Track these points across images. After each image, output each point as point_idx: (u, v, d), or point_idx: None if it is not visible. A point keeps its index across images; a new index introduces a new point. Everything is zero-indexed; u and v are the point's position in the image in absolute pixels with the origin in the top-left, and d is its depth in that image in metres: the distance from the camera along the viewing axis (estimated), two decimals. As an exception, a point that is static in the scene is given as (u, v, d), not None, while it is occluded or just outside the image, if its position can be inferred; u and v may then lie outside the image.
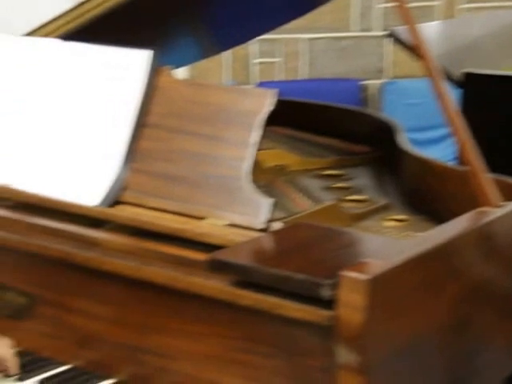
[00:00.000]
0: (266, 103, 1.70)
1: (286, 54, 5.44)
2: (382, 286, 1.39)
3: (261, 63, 5.42)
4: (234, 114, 1.73)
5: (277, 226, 1.65)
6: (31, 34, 2.10)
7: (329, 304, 1.39)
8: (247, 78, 5.44)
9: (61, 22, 2.07)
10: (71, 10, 2.07)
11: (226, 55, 5.26)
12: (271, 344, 1.51)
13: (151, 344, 1.64)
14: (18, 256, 1.76)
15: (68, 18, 2.06)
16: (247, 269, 1.48)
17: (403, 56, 3.30)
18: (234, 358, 1.56)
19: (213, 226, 1.67)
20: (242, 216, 1.66)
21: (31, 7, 2.68)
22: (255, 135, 1.70)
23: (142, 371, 1.66)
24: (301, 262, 1.47)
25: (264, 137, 1.72)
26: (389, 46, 5.33)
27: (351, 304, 1.36)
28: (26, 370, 1.70)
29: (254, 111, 1.71)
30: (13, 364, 1.69)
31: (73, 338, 1.73)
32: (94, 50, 1.90)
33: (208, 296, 1.54)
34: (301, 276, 1.40)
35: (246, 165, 1.69)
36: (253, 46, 5.28)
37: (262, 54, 5.38)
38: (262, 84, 5.27)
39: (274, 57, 5.42)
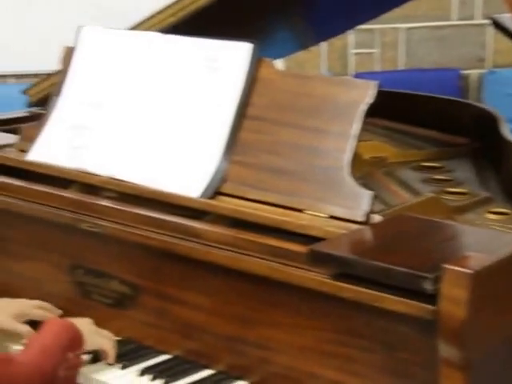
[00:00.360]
0: (368, 95, 1.69)
1: (383, 44, 5.38)
2: (485, 280, 1.37)
3: (357, 54, 5.37)
4: (336, 106, 1.72)
5: (377, 218, 1.64)
6: (134, 27, 2.14)
7: (431, 298, 1.37)
8: (343, 69, 5.40)
9: (163, 15, 2.10)
10: (173, 3, 2.10)
11: (323, 46, 5.23)
12: (369, 337, 1.50)
13: (251, 335, 1.65)
14: (121, 246, 1.80)
15: (170, 11, 2.10)
16: (348, 261, 1.47)
17: (506, 45, 3.21)
18: (332, 350, 1.56)
19: (313, 217, 1.67)
20: (343, 208, 1.65)
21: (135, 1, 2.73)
22: (356, 127, 1.69)
23: (242, 362, 1.67)
24: (402, 254, 1.46)
25: (362, 129, 1.70)
26: (490, 35, 5.21)
27: (454, 298, 1.34)
28: (129, 359, 1.74)
29: (356, 103, 1.70)
30: (112, 354, 1.73)
31: (174, 328, 1.76)
32: (196, 42, 1.92)
33: (307, 288, 1.54)
34: (404, 269, 1.38)
35: (347, 157, 1.68)
36: (349, 36, 5.24)
37: (359, 45, 5.33)
38: (358, 75, 5.23)
39: (371, 47, 5.37)
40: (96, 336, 1.73)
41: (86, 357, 1.72)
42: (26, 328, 1.78)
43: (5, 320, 1.77)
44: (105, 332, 1.77)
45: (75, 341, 1.65)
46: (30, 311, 1.83)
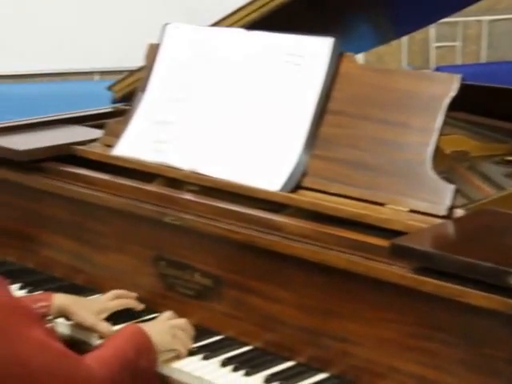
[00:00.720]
0: (451, 88, 1.68)
1: (464, 37, 5.30)
2: None
3: (438, 47, 5.31)
4: (419, 99, 1.71)
5: (460, 212, 1.62)
6: (217, 24, 2.16)
7: (514, 293, 1.35)
8: (424, 63, 5.34)
9: (245, 11, 2.12)
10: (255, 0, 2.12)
11: (403, 39, 5.19)
12: (451, 332, 1.49)
13: (332, 328, 1.66)
14: (203, 239, 1.83)
15: (253, 7, 2.11)
16: (430, 255, 1.46)
17: None
18: (413, 344, 1.55)
19: (394, 211, 1.67)
20: (425, 202, 1.64)
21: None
22: (439, 121, 1.68)
23: (322, 354, 1.68)
24: (486, 249, 1.44)
25: (444, 122, 1.69)
26: None
27: (539, 294, 1.32)
28: (210, 350, 1.76)
29: (438, 96, 1.69)
30: (183, 355, 1.75)
31: (255, 320, 1.77)
32: (277, 38, 1.93)
33: (389, 282, 1.54)
34: (488, 264, 1.37)
35: (430, 151, 1.67)
36: (430, 29, 5.18)
37: (440, 38, 5.27)
38: (439, 68, 5.16)
39: (452, 40, 5.30)
40: (167, 339, 1.73)
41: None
42: (108, 328, 1.82)
43: (89, 318, 1.81)
44: (179, 333, 1.77)
45: (146, 348, 1.67)
46: (108, 305, 1.88)
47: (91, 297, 1.97)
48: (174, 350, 1.74)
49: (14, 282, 2.03)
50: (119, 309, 1.88)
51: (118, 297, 1.92)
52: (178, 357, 1.74)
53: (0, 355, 1.39)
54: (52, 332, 1.63)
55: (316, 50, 1.87)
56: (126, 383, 1.59)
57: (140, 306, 1.92)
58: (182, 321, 1.81)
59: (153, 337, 1.69)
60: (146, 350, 1.67)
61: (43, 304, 1.79)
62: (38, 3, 3.72)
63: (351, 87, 1.82)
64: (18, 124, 2.34)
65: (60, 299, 1.83)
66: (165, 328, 1.76)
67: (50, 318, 1.80)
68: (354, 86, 1.82)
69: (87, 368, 1.51)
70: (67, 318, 1.84)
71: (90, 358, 1.56)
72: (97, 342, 1.81)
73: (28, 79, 3.77)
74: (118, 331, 1.71)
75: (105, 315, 1.85)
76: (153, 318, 1.85)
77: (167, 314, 1.83)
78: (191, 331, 1.80)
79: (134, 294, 1.94)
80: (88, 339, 1.83)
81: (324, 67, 1.85)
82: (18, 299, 1.54)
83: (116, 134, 2.11)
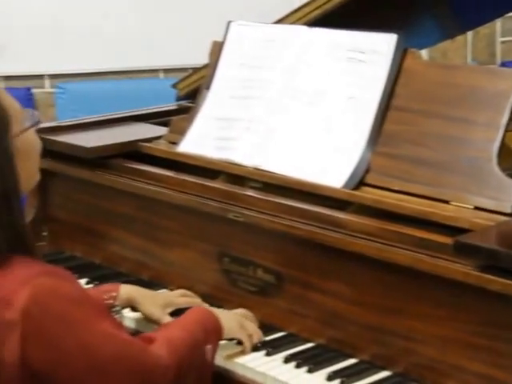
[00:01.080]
0: (518, 84, 1.66)
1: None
2: None
3: (503, 42, 5.22)
4: (484, 95, 1.69)
5: (526, 210, 1.60)
6: (280, 21, 2.17)
7: None
8: (490, 58, 5.26)
9: (309, 8, 2.12)
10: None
11: (468, 34, 5.11)
12: (517, 331, 1.48)
13: (395, 326, 1.65)
14: (266, 235, 1.84)
15: (316, 4, 2.11)
16: (496, 253, 1.45)
17: None
18: (478, 343, 1.54)
19: (459, 209, 1.65)
20: (490, 199, 1.62)
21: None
22: (505, 116, 1.66)
23: (386, 352, 1.68)
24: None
25: (509, 118, 1.67)
26: None
27: None
28: (273, 346, 1.77)
29: (504, 92, 1.67)
30: (247, 348, 1.76)
31: (318, 317, 1.78)
32: (341, 34, 1.93)
33: (453, 279, 1.53)
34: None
35: (495, 147, 1.65)
36: (496, 24, 5.09)
37: (506, 33, 5.18)
38: (505, 64, 5.08)
39: (519, 34, 5.20)
40: (235, 325, 1.75)
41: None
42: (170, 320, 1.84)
43: (156, 311, 1.84)
44: (247, 323, 1.79)
45: (214, 330, 1.69)
46: (175, 300, 1.90)
47: (159, 291, 2.00)
48: (239, 340, 1.76)
49: (80, 277, 2.07)
50: (185, 306, 1.89)
51: (184, 296, 1.94)
52: (243, 351, 1.75)
53: (68, 346, 1.43)
54: (119, 322, 1.66)
55: (380, 46, 1.86)
56: (193, 366, 1.61)
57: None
58: (251, 314, 1.83)
59: (220, 321, 1.71)
60: (214, 332, 1.69)
61: (111, 294, 1.83)
62: (105, 4, 3.78)
63: (415, 83, 1.81)
64: (85, 122, 2.38)
65: (127, 290, 1.86)
66: (233, 316, 1.78)
67: (117, 308, 1.83)
68: (417, 82, 1.80)
69: (154, 356, 1.53)
70: (133, 309, 1.87)
71: (158, 341, 1.58)
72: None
73: (95, 77, 3.83)
74: (186, 312, 1.72)
75: (170, 310, 1.87)
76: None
77: (238, 309, 1.85)
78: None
79: (199, 301, 1.94)
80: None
81: (388, 64, 1.84)
82: (86, 291, 1.57)
83: (180, 131, 2.13)
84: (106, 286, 1.88)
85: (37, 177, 1.59)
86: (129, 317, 1.88)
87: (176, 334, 1.62)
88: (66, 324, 1.43)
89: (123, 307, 1.86)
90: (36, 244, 1.57)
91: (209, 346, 1.66)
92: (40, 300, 1.41)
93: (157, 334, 1.62)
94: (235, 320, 1.77)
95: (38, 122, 1.56)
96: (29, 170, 1.53)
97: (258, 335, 1.79)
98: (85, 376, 1.44)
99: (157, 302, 1.85)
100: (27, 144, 1.52)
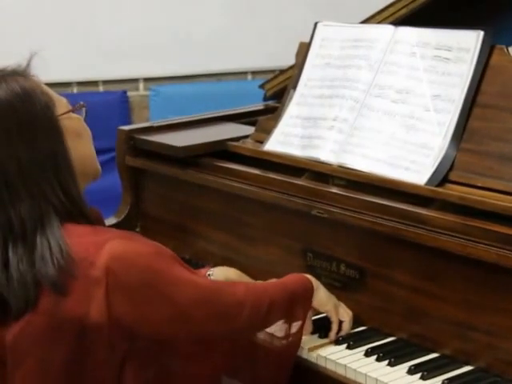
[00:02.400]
0: None
1: None
2: None
3: None
4: None
5: None
6: (366, 21, 2.19)
7: None
8: None
9: (394, 8, 2.13)
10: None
11: None
12: None
13: (478, 321, 1.65)
14: (350, 231, 1.86)
15: (402, 3, 2.12)
16: None
17: None
18: None
19: (543, 205, 1.64)
20: None
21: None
22: None
23: (468, 347, 1.68)
24: None
25: None
26: None
27: None
28: (355, 339, 1.80)
29: None
30: (334, 330, 1.81)
31: (400, 312, 1.79)
32: (427, 32, 1.94)
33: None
34: None
35: None
36: None
37: None
38: None
39: None
40: (331, 302, 1.80)
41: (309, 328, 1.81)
42: None
43: None
44: (343, 308, 1.83)
45: (306, 293, 1.75)
46: None
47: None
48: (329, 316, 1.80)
49: (170, 271, 2.13)
50: None
51: None
52: (325, 343, 1.79)
53: (152, 296, 1.50)
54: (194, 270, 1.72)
55: (466, 43, 1.85)
56: (273, 314, 1.67)
57: None
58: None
59: (318, 290, 1.77)
60: (302, 297, 1.75)
61: (204, 272, 1.89)
62: (195, 9, 3.87)
63: (501, 80, 1.80)
64: (176, 122, 2.45)
65: (222, 271, 1.93)
66: (331, 296, 1.82)
67: None
68: (504, 79, 1.79)
69: (230, 293, 1.61)
70: None
71: (241, 283, 1.70)
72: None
73: (186, 80, 3.92)
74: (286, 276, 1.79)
75: None
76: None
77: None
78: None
79: None
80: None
81: (474, 61, 1.84)
82: (159, 246, 1.62)
83: (267, 131, 2.17)
84: (201, 270, 1.92)
85: (92, 160, 1.69)
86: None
87: (261, 284, 1.71)
88: (147, 275, 1.51)
89: None
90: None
91: (295, 323, 1.70)
92: (121, 257, 1.50)
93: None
94: (332, 299, 1.81)
95: (81, 107, 1.68)
96: (82, 149, 1.64)
97: (348, 323, 1.82)
98: (169, 323, 1.52)
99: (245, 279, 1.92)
100: (75, 125, 1.65)
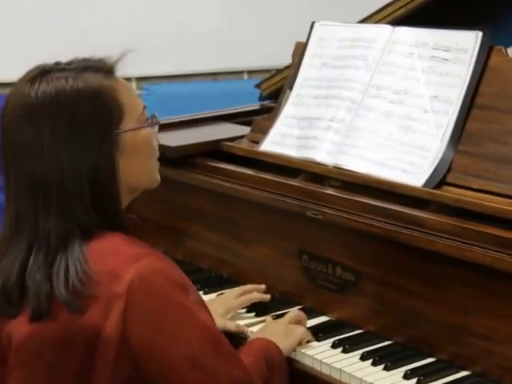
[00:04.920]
0: None
1: None
2: None
3: None
4: None
5: None
6: (363, 20, 2.17)
7: None
8: None
9: (392, 8, 2.12)
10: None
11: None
12: None
13: (474, 325, 1.63)
14: (345, 233, 1.84)
15: (400, 3, 2.10)
16: None
17: None
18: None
19: (541, 208, 1.62)
20: None
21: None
22: None
23: (464, 352, 1.66)
24: None
25: None
26: None
27: None
28: (350, 344, 1.77)
29: None
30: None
31: (396, 315, 1.77)
32: (424, 33, 1.92)
33: (534, 279, 1.51)
34: None
35: None
36: None
37: None
38: None
39: None
40: (291, 341, 1.76)
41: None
42: (235, 326, 1.85)
43: (218, 321, 1.78)
44: (295, 328, 1.80)
45: (278, 364, 1.68)
46: (232, 304, 1.91)
47: (224, 291, 2.02)
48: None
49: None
50: (245, 305, 1.93)
51: (245, 292, 1.95)
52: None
53: (167, 329, 1.44)
54: None
55: (464, 44, 1.84)
56: None
57: (267, 297, 1.96)
58: (293, 313, 1.83)
59: (281, 345, 1.71)
60: (278, 365, 1.68)
61: None
62: (189, 7, 3.85)
63: (500, 81, 1.78)
64: (170, 122, 2.42)
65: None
66: (283, 329, 1.77)
67: None
68: (502, 80, 1.78)
69: (244, 365, 1.54)
70: None
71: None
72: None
73: (180, 79, 3.90)
74: (246, 346, 1.69)
75: (231, 314, 1.90)
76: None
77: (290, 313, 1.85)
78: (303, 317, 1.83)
79: (263, 287, 1.98)
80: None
81: (472, 62, 1.82)
82: (188, 280, 1.54)
83: (262, 131, 2.15)
84: None
85: (150, 179, 1.61)
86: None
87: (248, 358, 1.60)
88: (169, 306, 1.45)
89: None
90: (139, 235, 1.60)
91: (276, 378, 1.65)
92: (148, 277, 1.44)
93: None
94: (286, 333, 1.76)
95: (154, 124, 1.60)
96: (137, 169, 1.56)
97: (305, 337, 1.79)
98: (176, 362, 1.45)
99: (217, 311, 1.83)
100: (139, 142, 1.55)
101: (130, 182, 1.55)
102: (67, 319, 1.44)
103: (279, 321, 1.83)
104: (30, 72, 1.54)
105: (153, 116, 1.61)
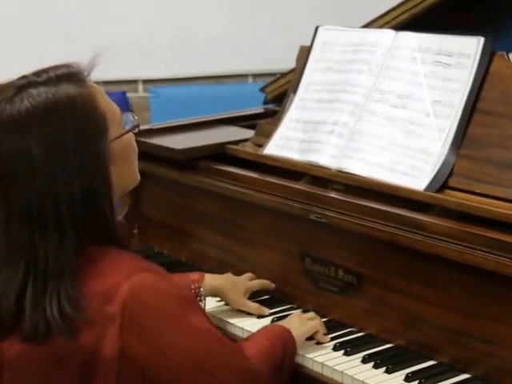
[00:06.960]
0: None
1: None
2: None
3: None
4: None
5: None
6: (367, 25, 2.18)
7: None
8: None
9: (396, 12, 2.13)
10: (405, 1, 2.12)
11: None
12: None
13: (476, 329, 1.64)
14: (348, 236, 1.85)
15: (404, 8, 2.11)
16: None
17: None
18: None
19: (542, 212, 1.63)
20: None
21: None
22: None
23: (465, 355, 1.67)
24: None
25: None
26: None
27: None
28: (352, 346, 1.78)
29: None
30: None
31: (397, 318, 1.78)
32: (427, 38, 1.93)
33: (535, 284, 1.52)
34: None
35: None
36: None
37: None
38: None
39: None
40: (304, 331, 1.78)
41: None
42: (258, 307, 1.94)
43: (239, 299, 1.93)
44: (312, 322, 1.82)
45: (291, 349, 1.71)
46: (249, 285, 1.98)
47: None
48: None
49: (167, 274, 2.13)
50: (258, 288, 2.00)
51: (251, 279, 2.02)
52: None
53: (165, 341, 1.45)
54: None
55: (467, 49, 1.85)
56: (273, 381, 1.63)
57: (272, 286, 2.01)
58: (310, 314, 1.86)
59: (294, 334, 1.73)
60: (291, 350, 1.71)
61: (196, 285, 1.89)
62: (194, 12, 3.86)
63: (501, 86, 1.79)
64: (176, 125, 2.44)
65: (211, 281, 1.93)
66: (298, 318, 1.81)
67: (201, 296, 1.90)
68: (504, 85, 1.79)
69: (246, 356, 1.56)
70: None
71: (247, 347, 1.61)
72: (233, 329, 1.91)
73: (186, 82, 3.92)
74: (262, 329, 1.74)
75: (248, 295, 1.97)
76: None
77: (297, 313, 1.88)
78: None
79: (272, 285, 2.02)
80: (224, 326, 1.92)
81: (474, 67, 1.83)
82: (180, 288, 1.56)
83: (266, 134, 2.17)
84: (192, 275, 1.93)
85: (136, 178, 1.60)
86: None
87: (258, 350, 1.62)
88: (164, 319, 1.46)
89: (207, 296, 1.93)
90: (129, 240, 1.60)
91: (287, 363, 1.68)
92: (140, 295, 1.44)
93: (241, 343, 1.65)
94: (303, 324, 1.79)
95: (136, 126, 1.58)
96: (127, 173, 1.56)
97: (319, 328, 1.81)
98: (180, 370, 1.47)
99: (239, 290, 1.94)
100: (125, 147, 1.54)
101: (121, 186, 1.55)
102: (61, 341, 1.44)
103: (294, 313, 1.86)
104: (3, 91, 1.47)
105: (132, 117, 1.57)
